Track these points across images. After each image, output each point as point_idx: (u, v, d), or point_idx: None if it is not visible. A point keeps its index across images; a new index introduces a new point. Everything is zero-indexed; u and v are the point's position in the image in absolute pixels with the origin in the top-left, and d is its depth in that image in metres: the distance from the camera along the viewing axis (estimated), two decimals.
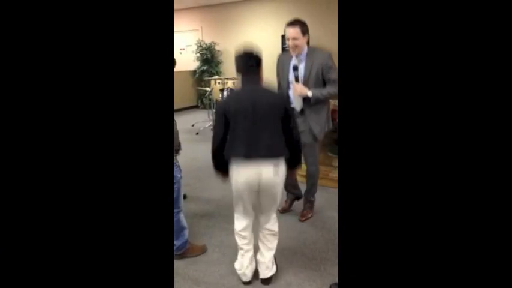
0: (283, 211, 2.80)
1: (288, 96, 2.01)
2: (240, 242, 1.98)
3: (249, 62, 1.79)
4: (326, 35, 6.93)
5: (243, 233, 1.96)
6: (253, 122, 1.75)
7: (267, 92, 1.84)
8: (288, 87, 2.44)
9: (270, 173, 1.76)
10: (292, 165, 1.92)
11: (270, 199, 1.88)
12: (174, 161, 2.09)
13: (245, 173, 1.78)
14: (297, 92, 2.34)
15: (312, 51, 2.37)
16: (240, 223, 1.96)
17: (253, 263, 2.01)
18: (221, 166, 1.89)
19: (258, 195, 1.86)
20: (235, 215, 1.99)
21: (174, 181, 2.06)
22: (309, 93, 2.32)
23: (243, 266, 1.97)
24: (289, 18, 2.43)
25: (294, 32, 2.27)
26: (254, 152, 1.75)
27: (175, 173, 2.07)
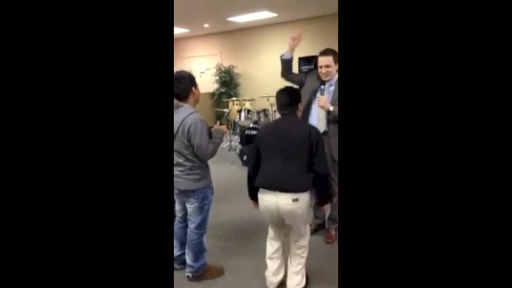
0: None
1: (315, 129, 1.94)
2: (269, 254, 2.08)
3: (287, 98, 1.91)
4: None
5: (273, 255, 2.06)
6: (277, 154, 1.85)
7: (298, 124, 1.93)
8: (307, 108, 2.50)
9: (288, 205, 1.81)
10: (321, 200, 1.96)
11: (295, 225, 1.95)
12: (208, 182, 2.13)
13: (265, 202, 1.89)
14: (321, 103, 2.42)
15: None
16: (271, 246, 2.07)
17: (282, 272, 2.08)
18: (252, 193, 2.03)
19: (283, 221, 1.94)
20: (268, 238, 2.09)
21: (206, 202, 2.10)
22: (331, 108, 2.40)
23: (270, 273, 2.06)
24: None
25: (327, 60, 2.43)
26: (273, 184, 1.84)
27: (207, 195, 2.11)
